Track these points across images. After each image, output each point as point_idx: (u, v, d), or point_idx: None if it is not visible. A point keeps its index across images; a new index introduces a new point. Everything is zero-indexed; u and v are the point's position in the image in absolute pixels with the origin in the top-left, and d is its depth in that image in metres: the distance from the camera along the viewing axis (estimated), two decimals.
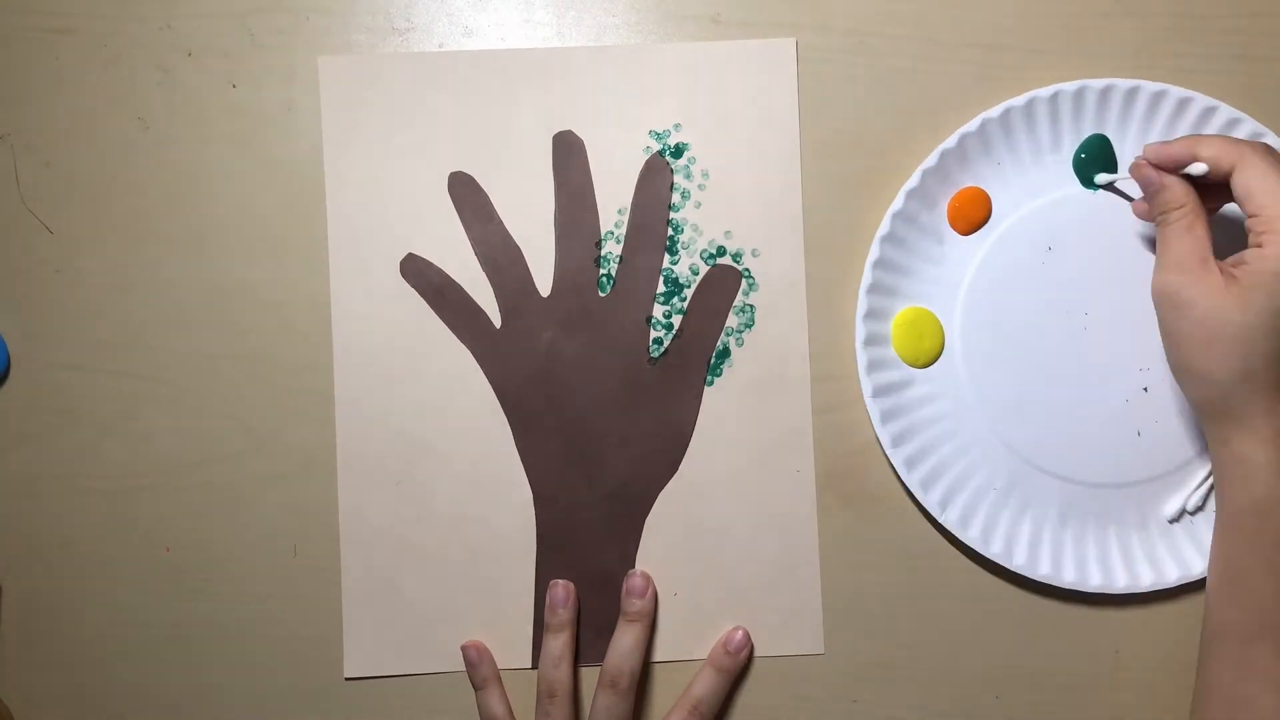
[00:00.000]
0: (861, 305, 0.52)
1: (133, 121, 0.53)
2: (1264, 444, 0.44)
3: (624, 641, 0.51)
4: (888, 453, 0.52)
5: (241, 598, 0.54)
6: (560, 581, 0.53)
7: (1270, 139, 0.51)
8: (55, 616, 0.54)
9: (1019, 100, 0.51)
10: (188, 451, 0.54)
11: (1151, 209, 0.47)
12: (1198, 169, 0.45)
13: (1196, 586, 0.53)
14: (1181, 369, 0.46)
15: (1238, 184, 0.44)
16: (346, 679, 0.53)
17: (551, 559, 0.53)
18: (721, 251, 0.53)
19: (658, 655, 0.53)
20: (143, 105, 0.53)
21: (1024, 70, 0.53)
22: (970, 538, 0.52)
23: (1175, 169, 0.46)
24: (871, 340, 0.52)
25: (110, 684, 0.54)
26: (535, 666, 0.53)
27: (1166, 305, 0.45)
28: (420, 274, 0.53)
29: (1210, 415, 0.45)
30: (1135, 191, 0.52)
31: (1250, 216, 0.44)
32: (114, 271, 0.54)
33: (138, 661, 0.54)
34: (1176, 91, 0.51)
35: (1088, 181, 0.53)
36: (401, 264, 0.53)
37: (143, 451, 0.54)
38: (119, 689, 0.54)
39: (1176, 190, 0.46)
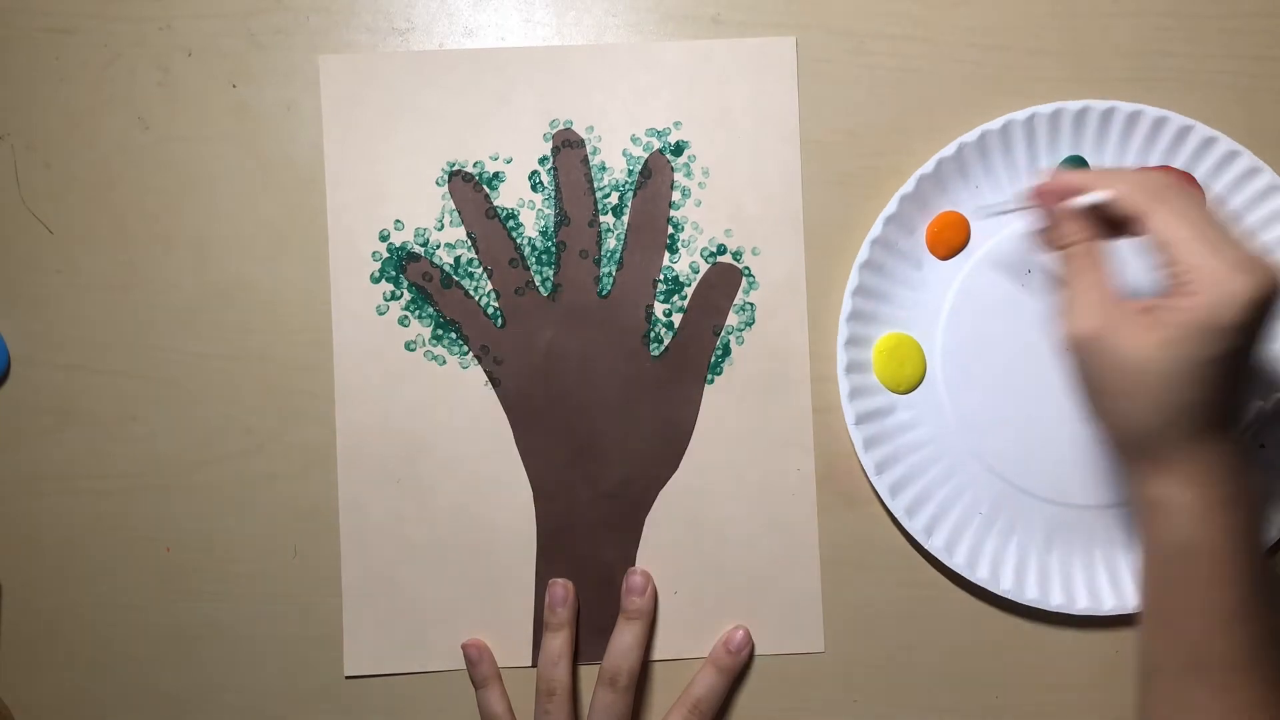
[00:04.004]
0: (842, 332, 0.52)
1: (133, 121, 0.54)
2: (1184, 486, 0.41)
3: (623, 639, 0.51)
4: (872, 480, 0.52)
5: (241, 598, 0.53)
6: (559, 580, 0.53)
7: (1257, 153, 0.51)
8: (55, 616, 0.54)
9: (995, 124, 0.51)
10: (188, 451, 0.54)
11: (1049, 244, 0.45)
12: (1092, 198, 0.42)
13: None
14: (1099, 415, 0.43)
15: (1154, 230, 0.41)
16: (347, 677, 0.53)
17: (552, 557, 0.53)
18: (722, 250, 0.53)
19: (658, 654, 0.53)
20: (143, 105, 0.53)
21: (1024, 71, 0.53)
22: (956, 563, 0.52)
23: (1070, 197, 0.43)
24: (853, 367, 0.52)
25: (110, 684, 0.54)
26: (535, 665, 0.53)
27: (1086, 353, 0.42)
28: (420, 273, 0.53)
29: (1128, 456, 0.43)
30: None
31: (1165, 265, 0.40)
32: (114, 271, 0.54)
33: (138, 661, 0.54)
34: (1153, 112, 0.51)
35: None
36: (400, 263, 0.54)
37: (143, 451, 0.54)
38: (119, 689, 0.54)
39: (1075, 224, 0.43)
